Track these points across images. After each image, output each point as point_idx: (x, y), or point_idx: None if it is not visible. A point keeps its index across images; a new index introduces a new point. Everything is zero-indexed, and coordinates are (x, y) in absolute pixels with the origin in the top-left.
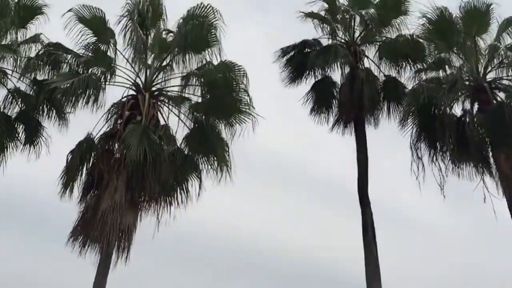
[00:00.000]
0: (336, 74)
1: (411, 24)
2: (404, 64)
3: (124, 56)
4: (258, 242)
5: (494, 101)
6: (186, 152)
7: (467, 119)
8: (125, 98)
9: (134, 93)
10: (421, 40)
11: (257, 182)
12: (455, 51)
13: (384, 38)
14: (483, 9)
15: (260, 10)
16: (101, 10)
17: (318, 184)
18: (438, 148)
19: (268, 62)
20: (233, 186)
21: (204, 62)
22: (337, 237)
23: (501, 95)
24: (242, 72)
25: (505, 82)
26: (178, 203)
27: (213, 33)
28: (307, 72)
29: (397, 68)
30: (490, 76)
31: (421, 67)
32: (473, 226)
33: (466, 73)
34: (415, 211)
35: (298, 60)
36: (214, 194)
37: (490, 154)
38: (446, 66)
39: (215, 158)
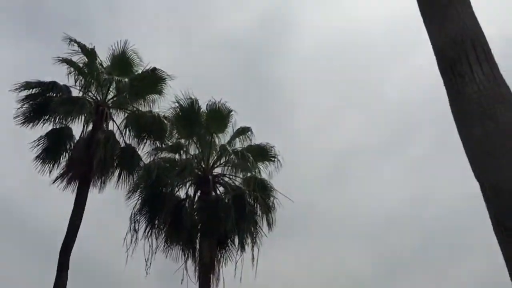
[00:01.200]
0: (77, 128)
1: (165, 104)
2: (146, 138)
3: None
4: None
5: (214, 194)
6: None
7: (187, 204)
8: None
9: None
10: (166, 122)
11: None
12: (194, 140)
13: (135, 109)
14: (224, 113)
15: (28, 36)
16: None
17: (29, 233)
18: (156, 225)
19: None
20: None
21: None
22: None
23: (221, 189)
24: None
25: (226, 179)
26: None
27: None
28: (47, 116)
29: (138, 140)
30: (216, 171)
31: (160, 146)
32: None
33: (197, 163)
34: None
35: (41, 100)
36: None
37: (198, 241)
38: (182, 151)
39: None
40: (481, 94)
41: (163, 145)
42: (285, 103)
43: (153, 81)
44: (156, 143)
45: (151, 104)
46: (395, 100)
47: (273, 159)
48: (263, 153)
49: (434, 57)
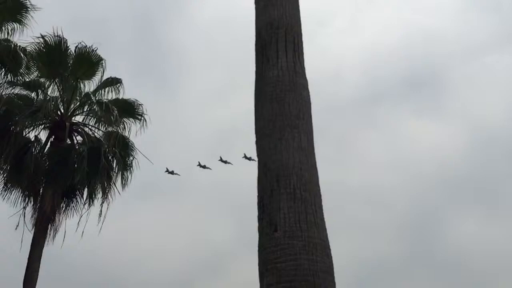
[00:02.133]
0: None
1: (27, 36)
2: None
3: None
4: None
5: (69, 142)
6: None
7: (34, 147)
8: None
9: None
10: (23, 55)
11: None
12: (56, 82)
13: None
14: (94, 59)
15: None
16: None
17: None
18: None
19: None
20: None
21: None
22: None
23: (79, 139)
24: None
25: (86, 129)
26: None
27: None
28: None
29: None
30: (77, 119)
31: (14, 80)
32: None
33: (55, 106)
34: None
35: None
36: None
37: (42, 188)
38: (40, 91)
39: None
40: (278, 80)
41: (19, 80)
42: (174, 69)
43: (14, 7)
44: (9, 76)
45: (9, 33)
46: None
47: (139, 117)
48: (129, 109)
49: None
